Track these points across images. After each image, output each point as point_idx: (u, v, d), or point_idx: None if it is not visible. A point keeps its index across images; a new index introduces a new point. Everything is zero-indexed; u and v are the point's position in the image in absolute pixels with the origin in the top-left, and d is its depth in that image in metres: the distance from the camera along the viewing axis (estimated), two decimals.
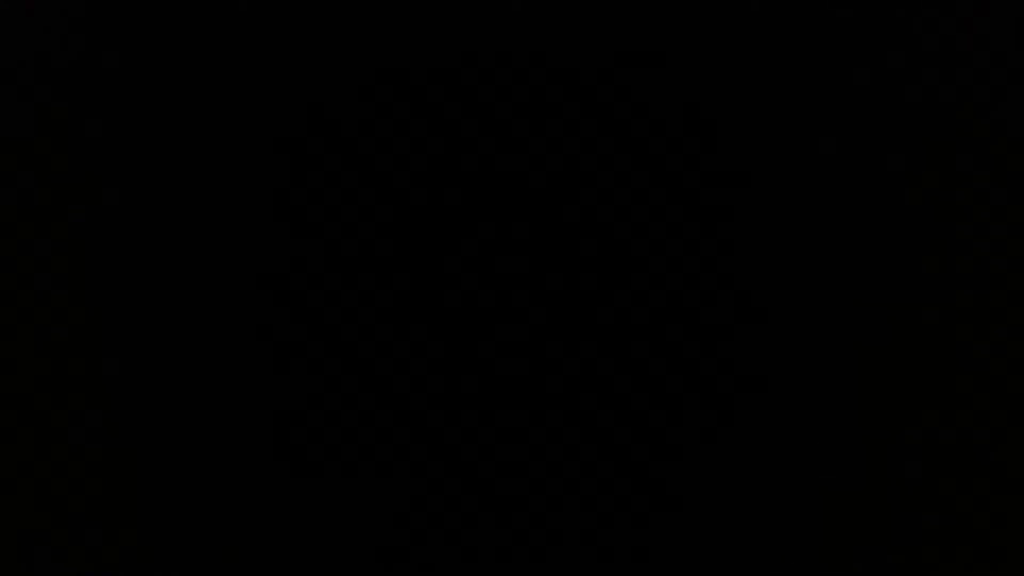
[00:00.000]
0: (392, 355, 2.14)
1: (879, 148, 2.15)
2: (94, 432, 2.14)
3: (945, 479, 2.11)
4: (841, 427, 2.12)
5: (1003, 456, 2.11)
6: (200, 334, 2.15)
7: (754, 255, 2.14)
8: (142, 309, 2.15)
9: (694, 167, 2.15)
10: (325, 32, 2.17)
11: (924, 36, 2.17)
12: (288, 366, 2.15)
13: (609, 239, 2.15)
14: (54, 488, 2.13)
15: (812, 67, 2.16)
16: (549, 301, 2.15)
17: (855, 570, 2.11)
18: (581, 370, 2.14)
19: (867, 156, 2.15)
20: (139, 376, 2.15)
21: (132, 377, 2.15)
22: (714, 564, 2.12)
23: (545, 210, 2.15)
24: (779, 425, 2.13)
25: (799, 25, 2.16)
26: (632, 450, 2.13)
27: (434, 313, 2.15)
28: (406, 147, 2.16)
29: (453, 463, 2.14)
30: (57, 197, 2.17)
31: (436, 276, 2.15)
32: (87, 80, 2.18)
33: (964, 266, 2.13)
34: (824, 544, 2.12)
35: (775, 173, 2.15)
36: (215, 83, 2.17)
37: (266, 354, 2.15)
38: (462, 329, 2.14)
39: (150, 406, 2.14)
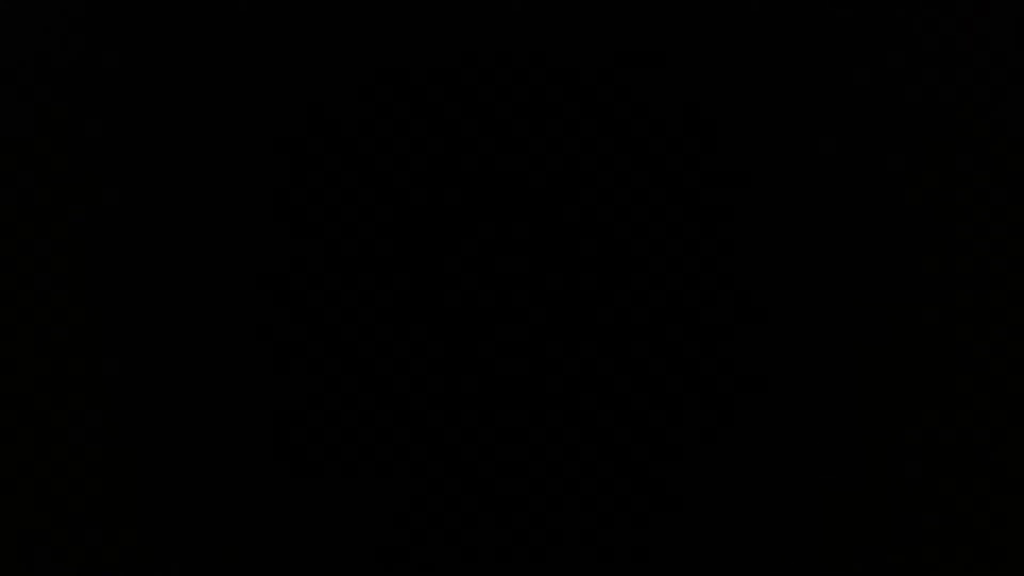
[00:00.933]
0: (392, 355, 2.14)
1: (879, 148, 2.15)
2: (94, 432, 2.14)
3: (945, 479, 2.11)
4: (841, 427, 2.12)
5: (1003, 456, 2.11)
6: (200, 334, 2.15)
7: (754, 255, 2.14)
8: (142, 309, 2.15)
9: (694, 167, 2.15)
10: (325, 32, 2.17)
11: (924, 36, 2.17)
12: (288, 366, 2.15)
13: (609, 239, 2.15)
14: (54, 488, 2.13)
15: (812, 67, 2.16)
16: (549, 301, 2.15)
17: (855, 570, 2.11)
18: (581, 370, 2.14)
19: (867, 156, 2.15)
20: (139, 376, 2.15)
21: (132, 377, 2.15)
22: (714, 564, 2.12)
23: (545, 210, 2.15)
24: (779, 425, 2.13)
25: (799, 25, 2.16)
26: (632, 450, 2.13)
27: (434, 313, 2.15)
28: (406, 147, 2.16)
29: (453, 463, 2.14)
30: (57, 197, 2.17)
31: (436, 276, 2.15)
32: (87, 80, 2.18)
33: (964, 266, 2.13)
34: (824, 544, 2.12)
35: (775, 173, 2.15)
36: (215, 83, 2.17)
37: (266, 354, 2.15)
38: (462, 329, 2.14)
39: (150, 406, 2.14)
